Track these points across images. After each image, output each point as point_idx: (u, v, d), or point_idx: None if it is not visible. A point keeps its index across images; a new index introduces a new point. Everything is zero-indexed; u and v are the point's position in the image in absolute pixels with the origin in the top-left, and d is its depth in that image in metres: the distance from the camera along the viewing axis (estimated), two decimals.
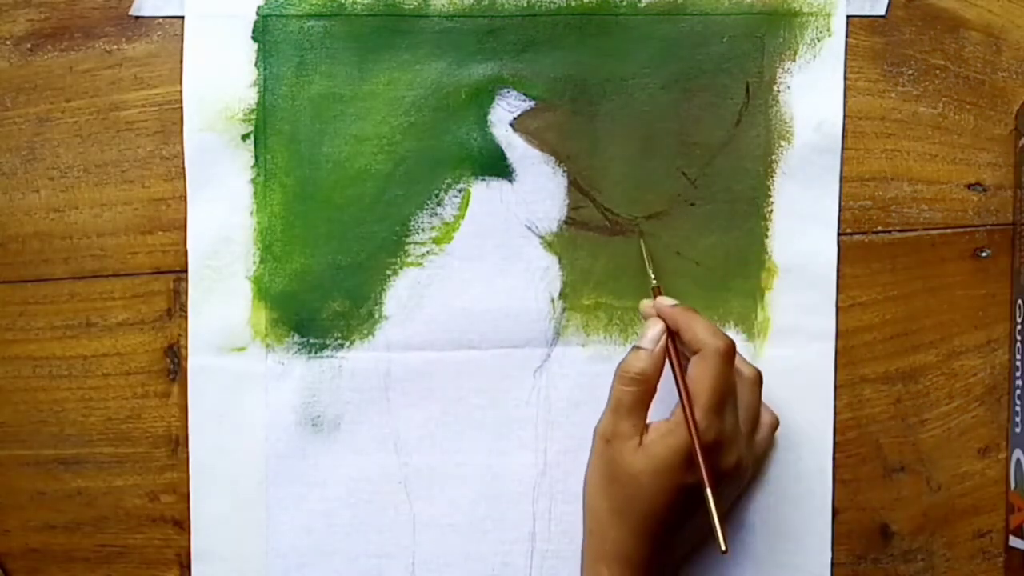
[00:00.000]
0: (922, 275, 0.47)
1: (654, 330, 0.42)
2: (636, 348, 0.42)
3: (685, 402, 0.40)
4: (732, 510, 0.46)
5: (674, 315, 0.42)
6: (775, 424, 0.45)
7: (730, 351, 0.40)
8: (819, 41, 0.46)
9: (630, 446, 0.40)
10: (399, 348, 0.45)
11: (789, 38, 0.46)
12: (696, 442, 0.39)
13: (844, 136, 0.46)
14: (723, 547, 0.37)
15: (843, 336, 0.46)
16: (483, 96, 0.45)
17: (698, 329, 0.41)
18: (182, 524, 0.45)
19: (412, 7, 0.45)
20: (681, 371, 0.41)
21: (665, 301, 0.43)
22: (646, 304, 0.44)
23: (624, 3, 0.45)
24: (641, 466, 0.40)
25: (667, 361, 0.42)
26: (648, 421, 0.41)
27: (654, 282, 0.44)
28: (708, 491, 0.38)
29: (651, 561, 0.41)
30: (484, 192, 0.46)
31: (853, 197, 0.47)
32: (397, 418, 0.46)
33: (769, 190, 0.46)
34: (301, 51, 0.45)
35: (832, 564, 0.46)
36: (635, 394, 0.41)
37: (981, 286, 0.47)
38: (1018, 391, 0.47)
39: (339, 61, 0.45)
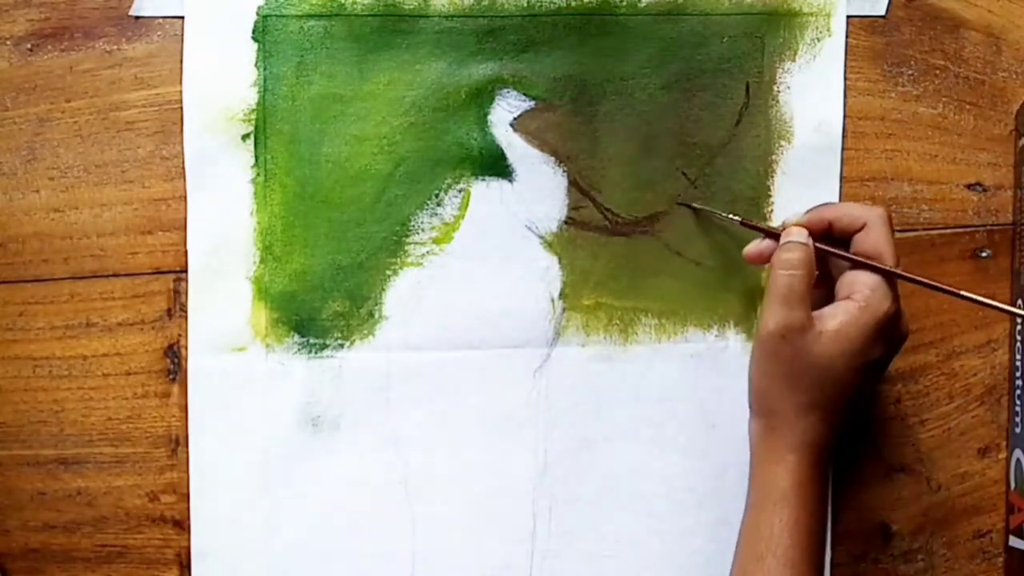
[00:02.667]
0: (922, 275, 0.47)
1: (797, 230, 0.42)
2: (788, 242, 0.41)
3: (880, 267, 0.40)
4: (731, 510, 0.46)
5: (820, 214, 0.42)
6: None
7: (889, 213, 0.41)
8: (819, 41, 0.46)
9: (812, 336, 0.39)
10: (399, 348, 0.45)
11: (789, 38, 0.46)
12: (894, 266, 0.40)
13: (844, 136, 0.46)
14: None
15: None
16: (483, 96, 0.45)
17: (850, 208, 0.42)
18: (182, 524, 0.45)
19: (412, 7, 0.45)
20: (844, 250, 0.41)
21: (796, 217, 0.43)
22: (749, 249, 0.43)
23: (624, 3, 0.45)
24: (833, 352, 0.39)
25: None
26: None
27: (737, 219, 0.44)
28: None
29: (835, 440, 0.41)
30: (484, 192, 0.46)
31: (853, 197, 0.47)
32: (397, 418, 0.45)
33: (769, 190, 0.46)
34: (301, 51, 0.45)
35: (832, 564, 0.46)
36: (803, 279, 0.40)
37: (981, 286, 0.47)
38: (1018, 391, 0.47)
39: (339, 61, 0.45)
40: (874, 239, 0.41)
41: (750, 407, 0.42)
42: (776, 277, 0.40)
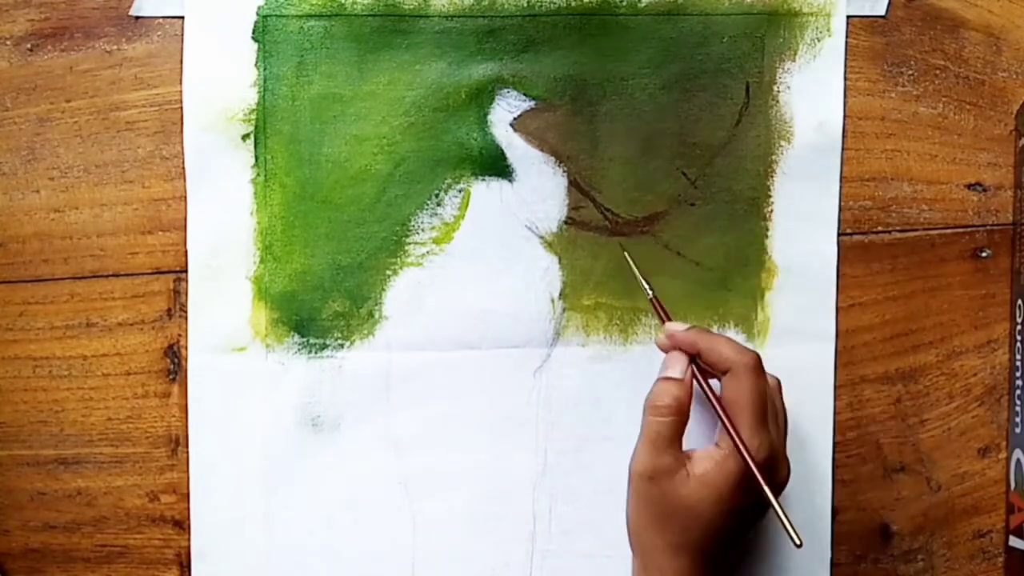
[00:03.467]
0: (922, 275, 0.47)
1: (679, 360, 0.41)
2: (663, 379, 0.41)
3: (728, 425, 0.39)
4: None
5: (692, 339, 0.41)
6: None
7: (759, 363, 0.40)
8: (819, 41, 0.46)
9: (679, 480, 0.39)
10: (399, 348, 0.45)
11: (789, 38, 0.46)
12: (751, 461, 0.38)
13: (844, 136, 0.46)
14: (798, 541, 0.37)
15: (843, 336, 0.46)
16: (483, 96, 0.45)
17: (722, 348, 0.40)
18: (182, 524, 0.45)
19: (412, 7, 0.45)
20: (714, 395, 0.40)
21: (677, 327, 0.42)
22: (661, 339, 0.43)
23: (624, 3, 0.45)
24: (699, 497, 0.39)
25: (695, 388, 0.41)
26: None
27: (650, 293, 0.44)
28: (775, 502, 0.38)
29: None
30: (484, 192, 0.46)
31: (853, 197, 0.47)
32: (397, 418, 0.45)
33: (769, 190, 0.46)
34: (301, 51, 0.45)
35: (832, 564, 0.46)
36: (672, 424, 0.40)
37: (981, 286, 0.47)
38: (1018, 391, 0.47)
39: (339, 61, 0.45)
40: (735, 390, 0.39)
41: (630, 544, 0.42)
42: (647, 422, 0.40)
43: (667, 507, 0.39)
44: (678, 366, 0.41)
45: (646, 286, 0.44)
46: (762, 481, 0.38)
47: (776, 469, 0.40)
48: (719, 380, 0.41)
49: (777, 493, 0.39)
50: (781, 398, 0.43)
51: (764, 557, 0.46)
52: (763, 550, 0.46)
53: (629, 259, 0.45)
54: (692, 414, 0.41)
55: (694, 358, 0.41)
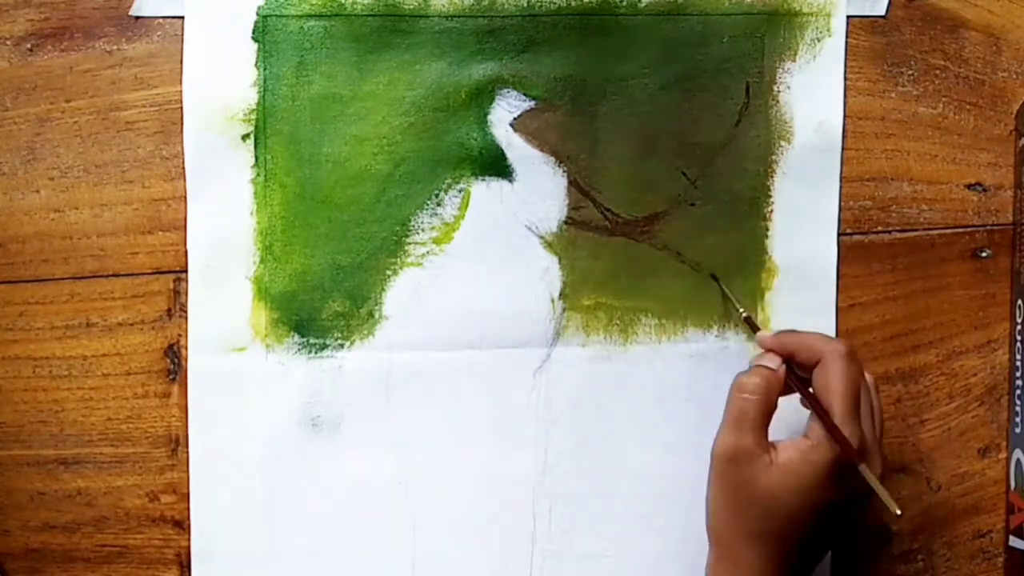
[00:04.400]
0: (922, 275, 0.47)
1: (773, 356, 0.41)
2: (756, 365, 0.41)
3: (821, 415, 0.38)
4: None
5: (781, 340, 0.41)
6: (882, 415, 0.42)
7: (852, 351, 0.39)
8: (819, 41, 0.46)
9: (761, 465, 0.38)
10: (399, 348, 0.45)
11: (789, 38, 0.46)
12: (846, 449, 0.37)
13: (844, 136, 0.46)
14: (897, 510, 0.37)
15: (843, 336, 0.46)
16: (483, 96, 0.45)
17: (811, 340, 0.40)
18: (182, 524, 0.45)
19: (412, 7, 0.45)
20: (805, 388, 0.40)
21: (765, 335, 0.42)
22: (754, 354, 0.42)
23: (624, 3, 0.45)
24: (782, 486, 0.38)
25: (789, 385, 0.40)
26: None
27: (743, 312, 0.44)
28: (868, 474, 0.37)
29: None
30: (484, 192, 0.46)
31: (853, 197, 0.47)
32: (397, 418, 0.45)
33: (769, 190, 0.46)
34: (301, 51, 0.45)
35: (832, 564, 0.46)
36: (759, 404, 0.39)
37: (981, 286, 0.47)
38: (1018, 391, 0.47)
39: (339, 61, 0.45)
40: (824, 378, 0.38)
41: (708, 536, 0.40)
42: (731, 399, 0.40)
43: (748, 494, 0.38)
44: (771, 359, 0.41)
45: (737, 305, 0.45)
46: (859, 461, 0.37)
47: (868, 463, 0.38)
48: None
49: (866, 488, 0.38)
50: (879, 396, 0.42)
51: None
52: None
53: (720, 283, 0.45)
54: (785, 417, 0.40)
55: (789, 363, 0.41)
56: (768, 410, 0.39)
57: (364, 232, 0.45)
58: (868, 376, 0.41)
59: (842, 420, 0.38)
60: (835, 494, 0.38)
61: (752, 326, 0.44)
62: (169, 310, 0.45)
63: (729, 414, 0.39)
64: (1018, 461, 0.46)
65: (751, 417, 0.39)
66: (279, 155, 0.45)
